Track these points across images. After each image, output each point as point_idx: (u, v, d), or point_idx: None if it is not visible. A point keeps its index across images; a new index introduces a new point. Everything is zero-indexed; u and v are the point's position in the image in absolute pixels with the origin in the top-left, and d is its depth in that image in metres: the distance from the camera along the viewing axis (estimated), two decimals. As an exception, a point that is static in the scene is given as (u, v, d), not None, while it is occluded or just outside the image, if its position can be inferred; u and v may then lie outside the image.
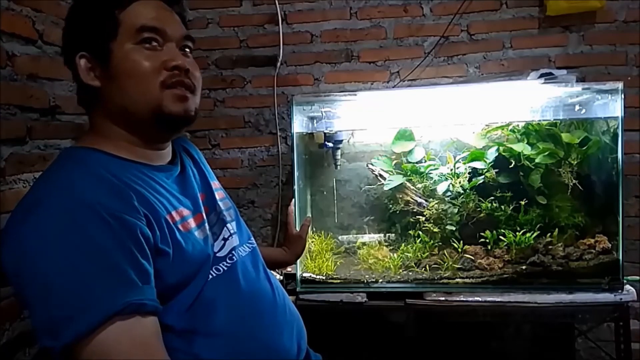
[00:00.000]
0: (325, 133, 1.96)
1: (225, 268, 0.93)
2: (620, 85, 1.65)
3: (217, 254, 0.94)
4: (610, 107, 1.70)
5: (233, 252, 0.97)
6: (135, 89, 0.86)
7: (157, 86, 0.86)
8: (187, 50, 0.94)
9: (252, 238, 1.09)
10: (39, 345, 0.71)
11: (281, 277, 1.85)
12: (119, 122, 0.89)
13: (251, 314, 0.93)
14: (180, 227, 0.86)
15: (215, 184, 1.09)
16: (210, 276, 0.89)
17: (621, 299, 1.66)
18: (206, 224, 0.94)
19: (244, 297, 0.93)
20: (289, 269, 1.84)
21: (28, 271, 0.73)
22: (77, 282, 0.70)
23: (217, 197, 1.06)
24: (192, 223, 0.90)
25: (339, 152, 2.04)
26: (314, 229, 2.03)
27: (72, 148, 0.91)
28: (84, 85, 0.88)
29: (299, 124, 1.86)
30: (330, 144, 1.99)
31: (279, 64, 2.19)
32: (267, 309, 0.96)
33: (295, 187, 1.80)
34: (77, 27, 0.90)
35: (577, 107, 1.78)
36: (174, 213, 0.86)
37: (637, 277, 1.77)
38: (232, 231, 1.01)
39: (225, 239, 0.98)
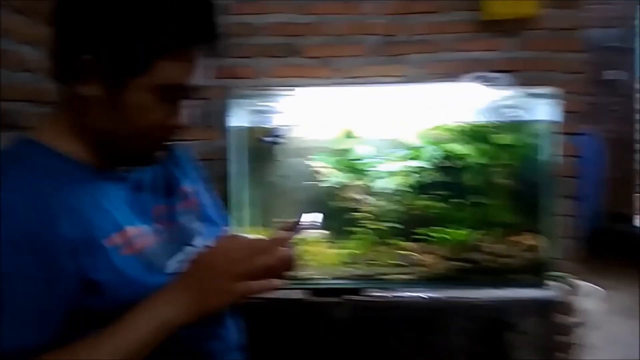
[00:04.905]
0: (264, 128, 1.93)
1: None
2: (554, 90, 1.70)
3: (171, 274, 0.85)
4: (545, 111, 1.75)
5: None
6: (126, 130, 0.79)
7: (147, 136, 0.81)
8: None
9: None
10: None
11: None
12: (88, 129, 0.80)
13: None
14: (122, 251, 0.78)
15: (185, 189, 0.99)
16: None
17: (548, 294, 1.73)
18: (154, 246, 0.85)
19: None
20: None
21: None
22: None
23: (182, 208, 0.96)
24: (139, 244, 0.82)
25: (278, 148, 2.02)
26: (252, 225, 1.99)
27: (20, 138, 0.81)
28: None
29: (237, 118, 1.82)
30: (270, 139, 1.96)
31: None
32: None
33: (232, 182, 1.77)
34: (103, 24, 0.75)
35: (512, 110, 1.83)
36: (115, 235, 0.78)
37: (563, 274, 1.84)
38: (190, 253, 0.92)
39: (181, 261, 0.87)
